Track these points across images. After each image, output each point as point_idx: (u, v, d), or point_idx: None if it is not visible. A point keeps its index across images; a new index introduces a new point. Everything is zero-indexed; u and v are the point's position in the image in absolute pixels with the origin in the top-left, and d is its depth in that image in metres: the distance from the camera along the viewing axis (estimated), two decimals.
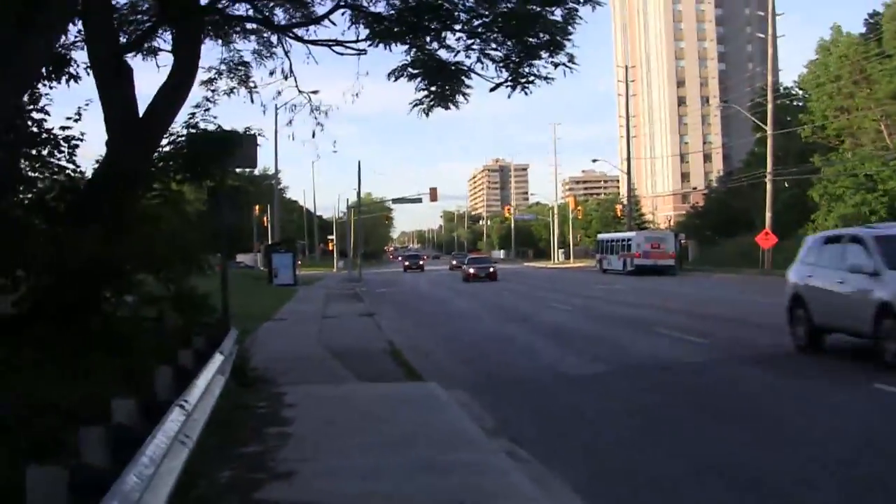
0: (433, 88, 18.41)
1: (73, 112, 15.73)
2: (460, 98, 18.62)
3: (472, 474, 9.33)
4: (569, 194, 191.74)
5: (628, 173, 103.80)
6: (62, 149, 15.68)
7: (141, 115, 16.29)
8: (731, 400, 14.64)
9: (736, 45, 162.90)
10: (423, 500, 8.33)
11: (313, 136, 21.54)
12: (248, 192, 42.90)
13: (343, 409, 13.46)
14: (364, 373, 18.12)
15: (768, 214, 70.12)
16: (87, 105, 16.14)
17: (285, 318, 34.06)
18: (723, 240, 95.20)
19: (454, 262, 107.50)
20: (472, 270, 68.94)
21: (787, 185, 76.06)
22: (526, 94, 18.19)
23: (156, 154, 16.66)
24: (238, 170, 21.12)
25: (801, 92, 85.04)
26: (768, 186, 70.66)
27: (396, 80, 18.18)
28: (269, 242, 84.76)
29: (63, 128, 15.66)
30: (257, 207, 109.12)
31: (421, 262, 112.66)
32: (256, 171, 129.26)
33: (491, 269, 68.88)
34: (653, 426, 12.67)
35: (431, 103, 18.71)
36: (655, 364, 18.88)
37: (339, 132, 65.77)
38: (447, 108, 18.87)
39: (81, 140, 15.86)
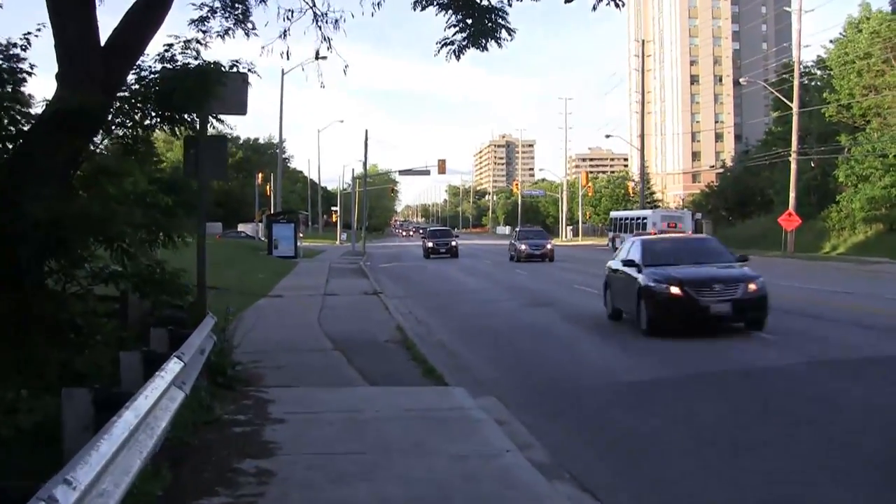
0: (469, 21, 14.74)
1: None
2: (503, 34, 14.95)
3: None
4: (576, 171, 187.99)
5: (641, 150, 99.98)
6: (5, 82, 12.39)
7: (103, 43, 12.94)
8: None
9: (750, 25, 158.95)
10: None
11: (317, 56, 17.11)
12: (229, 141, 38.27)
13: (347, 430, 10.20)
14: (372, 370, 14.91)
15: (792, 195, 66.89)
16: (38, 30, 12.87)
17: (283, 294, 30.91)
18: (738, 220, 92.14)
19: (523, 248, 60.79)
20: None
21: (812, 164, 72.62)
22: (617, 5, 14.56)
23: (120, 94, 13.25)
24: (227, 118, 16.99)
25: (819, 72, 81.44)
26: (793, 166, 67.33)
27: (423, 9, 14.64)
28: (271, 212, 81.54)
29: (7, 57, 12.45)
30: (260, 175, 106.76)
31: (453, 244, 71.67)
32: (261, 140, 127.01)
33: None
34: (770, 469, 9.44)
35: (465, 42, 15.07)
36: (729, 368, 15.37)
37: (345, 103, 61.19)
38: (484, 48, 15.11)
39: (30, 74, 12.60)
